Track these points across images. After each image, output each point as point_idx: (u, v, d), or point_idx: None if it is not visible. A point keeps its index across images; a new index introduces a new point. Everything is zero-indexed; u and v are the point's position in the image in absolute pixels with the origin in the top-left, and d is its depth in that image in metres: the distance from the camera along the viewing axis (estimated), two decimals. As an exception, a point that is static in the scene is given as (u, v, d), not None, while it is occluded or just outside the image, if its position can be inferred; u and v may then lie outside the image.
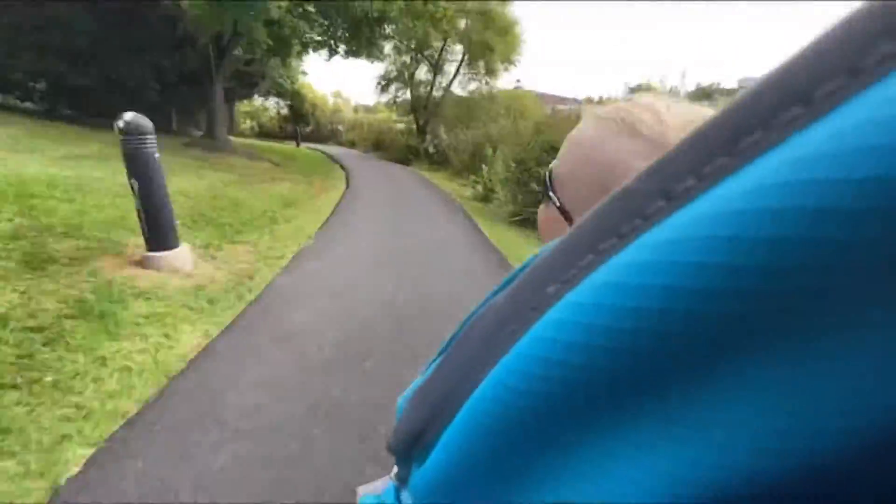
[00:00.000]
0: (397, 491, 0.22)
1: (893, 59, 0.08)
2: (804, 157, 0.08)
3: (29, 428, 1.61)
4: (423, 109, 16.12)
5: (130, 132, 2.71)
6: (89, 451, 1.56)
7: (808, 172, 0.08)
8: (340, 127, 27.12)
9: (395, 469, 0.23)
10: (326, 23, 10.20)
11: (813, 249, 0.08)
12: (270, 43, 8.69)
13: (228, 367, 2.15)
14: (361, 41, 10.87)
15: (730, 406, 0.10)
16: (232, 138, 12.85)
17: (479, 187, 8.12)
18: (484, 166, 8.22)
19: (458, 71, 15.71)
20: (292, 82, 18.14)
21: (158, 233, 2.97)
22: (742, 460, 0.10)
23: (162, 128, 6.43)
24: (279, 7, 7.90)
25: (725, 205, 0.09)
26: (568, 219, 0.42)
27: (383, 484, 0.49)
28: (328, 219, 5.61)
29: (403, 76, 16.88)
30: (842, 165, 0.08)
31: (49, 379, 1.85)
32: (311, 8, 9.36)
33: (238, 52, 10.64)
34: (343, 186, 8.63)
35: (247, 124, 26.73)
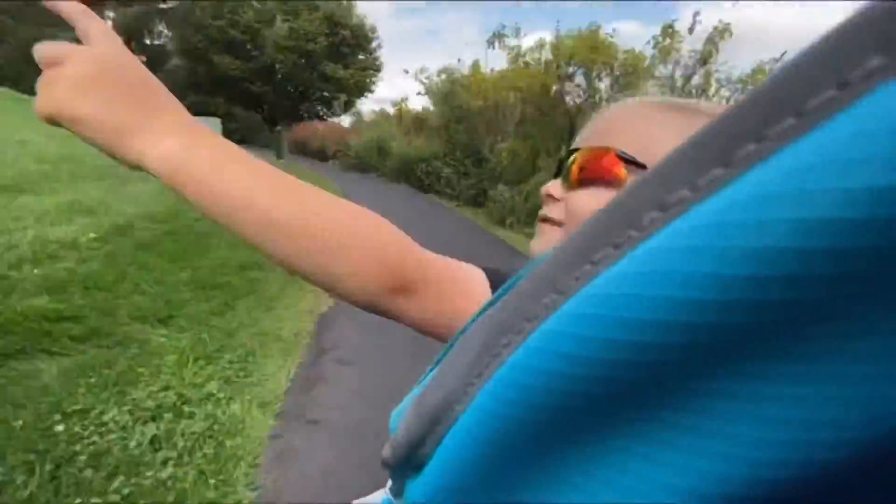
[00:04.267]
0: None
1: (879, 73, 0.08)
2: (796, 168, 0.08)
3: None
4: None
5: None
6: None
7: (799, 183, 0.08)
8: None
9: (390, 483, 0.23)
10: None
11: (806, 260, 0.08)
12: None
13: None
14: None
15: (729, 417, 0.10)
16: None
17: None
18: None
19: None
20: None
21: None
22: (742, 471, 0.10)
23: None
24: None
25: (720, 216, 0.09)
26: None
27: (377, 498, 0.49)
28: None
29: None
30: (831, 176, 0.08)
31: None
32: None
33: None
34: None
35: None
